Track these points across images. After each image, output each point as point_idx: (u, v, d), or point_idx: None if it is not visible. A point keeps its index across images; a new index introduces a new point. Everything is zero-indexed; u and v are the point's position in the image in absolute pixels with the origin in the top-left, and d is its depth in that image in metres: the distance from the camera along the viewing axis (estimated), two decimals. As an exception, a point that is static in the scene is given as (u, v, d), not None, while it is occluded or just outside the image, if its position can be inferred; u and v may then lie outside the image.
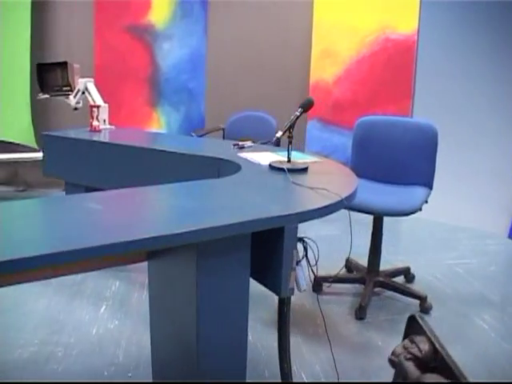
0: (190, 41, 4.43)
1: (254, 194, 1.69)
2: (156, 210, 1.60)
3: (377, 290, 2.77)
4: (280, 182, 1.87)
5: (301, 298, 2.71)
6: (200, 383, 1.50)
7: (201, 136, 3.77)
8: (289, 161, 2.11)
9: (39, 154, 3.67)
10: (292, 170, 2.02)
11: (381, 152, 2.79)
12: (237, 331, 1.52)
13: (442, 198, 3.53)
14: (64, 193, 3.15)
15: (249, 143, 2.66)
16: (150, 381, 1.96)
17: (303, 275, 1.59)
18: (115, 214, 1.47)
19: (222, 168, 2.28)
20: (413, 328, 0.93)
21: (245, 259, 1.48)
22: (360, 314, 2.51)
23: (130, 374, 2.04)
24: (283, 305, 1.63)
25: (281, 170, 2.01)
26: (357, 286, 2.82)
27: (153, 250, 1.62)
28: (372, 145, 2.81)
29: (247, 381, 1.64)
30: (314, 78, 4.45)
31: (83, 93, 3.35)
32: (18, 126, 4.19)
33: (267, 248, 1.54)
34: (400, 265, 3.09)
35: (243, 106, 4.49)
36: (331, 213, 1.59)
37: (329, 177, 2.04)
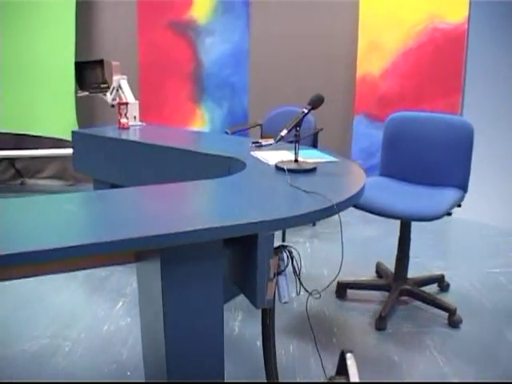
0: (232, 36, 4.38)
1: (239, 197, 1.60)
2: (127, 211, 1.53)
3: (404, 298, 2.59)
4: (277, 184, 1.77)
5: (321, 304, 2.59)
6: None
7: (235, 133, 3.71)
8: (296, 161, 1.99)
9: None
10: (296, 171, 1.91)
11: (412, 150, 2.59)
12: (210, 341, 1.44)
13: (490, 198, 3.25)
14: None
15: (270, 141, 2.56)
16: (149, 381, 1.94)
17: (286, 286, 1.49)
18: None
19: (233, 167, 2.21)
20: (342, 364, 0.82)
21: (216, 267, 1.39)
22: (379, 324, 2.35)
23: (128, 373, 2.03)
24: (266, 316, 1.53)
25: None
26: (384, 293, 2.65)
27: (139, 252, 1.58)
28: (403, 143, 2.61)
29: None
30: (360, 71, 4.24)
31: (118, 90, 3.40)
32: (64, 123, 4.33)
33: (243, 256, 1.45)
34: (437, 271, 2.88)
35: (286, 101, 4.38)
36: (317, 219, 1.47)
37: (334, 179, 1.90)
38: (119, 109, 3.10)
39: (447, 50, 3.81)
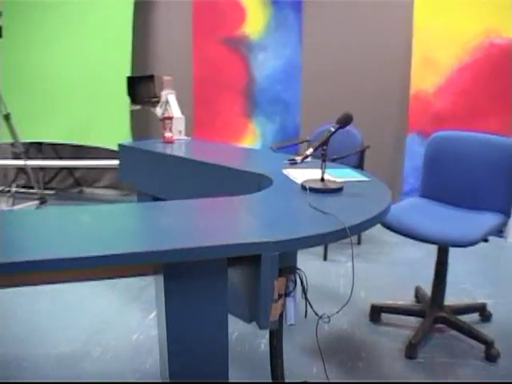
0: (285, 51, 4.40)
1: (252, 216, 1.60)
2: (140, 224, 1.57)
3: (440, 326, 2.47)
4: (297, 203, 1.75)
5: (353, 326, 2.53)
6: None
7: (282, 149, 3.72)
8: (322, 180, 1.97)
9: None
10: (319, 190, 1.89)
11: (453, 171, 2.48)
12: (213, 356, 1.45)
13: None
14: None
15: (299, 159, 2.54)
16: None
17: (293, 308, 1.47)
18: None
19: (262, 184, 2.22)
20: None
21: (220, 285, 1.40)
22: (410, 352, 2.26)
23: None
24: (272, 337, 1.51)
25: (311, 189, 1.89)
26: (421, 319, 2.55)
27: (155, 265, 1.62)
28: (444, 163, 2.51)
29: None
30: (414, 88, 4.13)
31: (166, 104, 3.51)
32: (119, 135, 4.52)
33: (248, 275, 1.44)
34: (482, 299, 2.74)
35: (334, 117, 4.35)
36: (327, 242, 1.44)
37: (358, 200, 1.85)
38: (164, 123, 3.20)
39: (503, 65, 3.63)
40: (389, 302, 2.67)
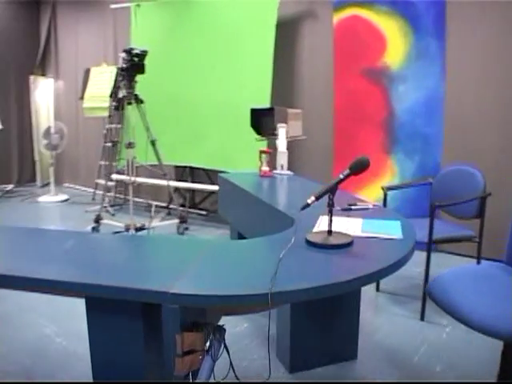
0: (426, 82, 4.02)
1: (202, 266, 1.52)
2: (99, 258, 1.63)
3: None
4: (271, 256, 1.57)
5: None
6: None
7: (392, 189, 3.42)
8: (329, 233, 1.76)
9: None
10: (317, 245, 1.69)
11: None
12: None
13: None
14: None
15: (363, 205, 2.31)
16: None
17: (207, 368, 1.36)
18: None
19: (287, 225, 2.09)
20: None
21: (135, 326, 1.39)
22: None
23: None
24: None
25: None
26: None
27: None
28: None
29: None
30: None
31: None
32: (249, 164, 4.65)
33: (156, 323, 1.40)
34: None
35: (483, 157, 3.85)
36: (235, 304, 1.31)
37: (350, 261, 1.59)
38: (260, 156, 3.21)
39: None
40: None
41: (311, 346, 2.40)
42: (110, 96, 5.51)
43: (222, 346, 1.39)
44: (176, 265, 1.49)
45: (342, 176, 1.74)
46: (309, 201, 1.74)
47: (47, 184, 6.88)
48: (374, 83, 4.28)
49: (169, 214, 5.64)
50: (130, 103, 4.40)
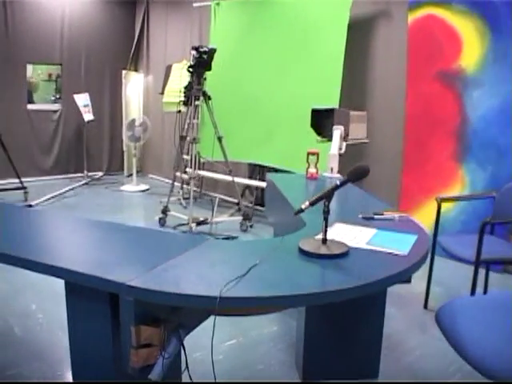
0: (503, 88, 3.68)
1: (201, 263, 1.53)
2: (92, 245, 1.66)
3: None
4: (251, 262, 1.55)
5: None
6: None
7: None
8: (324, 242, 1.69)
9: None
10: (308, 254, 1.63)
11: None
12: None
13: None
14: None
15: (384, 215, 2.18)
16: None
17: (160, 365, 1.37)
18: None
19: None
20: None
21: (104, 313, 1.44)
22: None
23: None
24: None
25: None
26: None
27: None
28: None
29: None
30: None
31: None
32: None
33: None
34: None
35: None
36: (190, 306, 1.30)
37: (337, 272, 1.51)
38: (308, 158, 3.13)
39: None
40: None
41: (326, 356, 2.31)
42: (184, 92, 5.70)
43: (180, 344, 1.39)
44: (156, 259, 1.51)
45: (338, 183, 1.67)
46: (303, 206, 1.69)
47: (132, 174, 7.30)
48: (447, 87, 4.01)
49: (239, 210, 5.71)
50: (197, 99, 4.52)
